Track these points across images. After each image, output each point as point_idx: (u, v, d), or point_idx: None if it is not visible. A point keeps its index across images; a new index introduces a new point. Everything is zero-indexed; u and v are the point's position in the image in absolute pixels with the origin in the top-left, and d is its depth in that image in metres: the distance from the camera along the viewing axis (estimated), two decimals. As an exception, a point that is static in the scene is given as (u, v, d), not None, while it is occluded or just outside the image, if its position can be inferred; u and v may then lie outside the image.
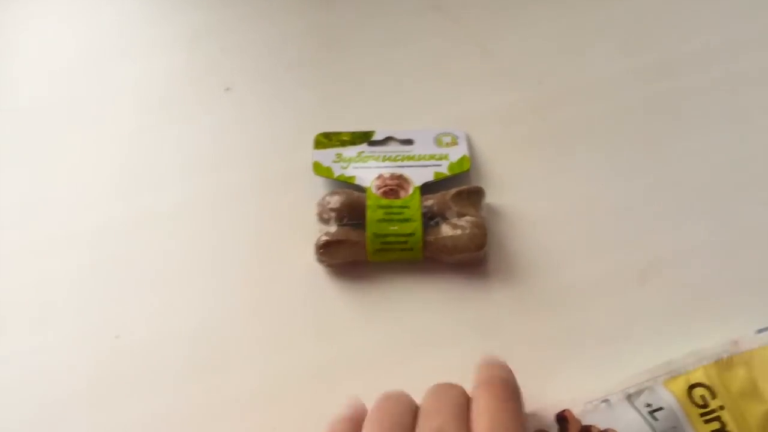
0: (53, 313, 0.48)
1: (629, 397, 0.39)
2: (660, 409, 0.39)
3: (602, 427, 0.38)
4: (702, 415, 0.39)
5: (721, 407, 0.39)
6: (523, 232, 0.49)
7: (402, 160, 0.52)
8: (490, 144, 0.54)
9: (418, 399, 0.37)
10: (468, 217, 0.48)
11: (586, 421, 0.38)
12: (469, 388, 0.37)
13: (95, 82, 0.58)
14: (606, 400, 0.39)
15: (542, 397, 0.39)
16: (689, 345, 0.42)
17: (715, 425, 0.39)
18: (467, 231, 0.47)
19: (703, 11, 0.59)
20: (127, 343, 0.47)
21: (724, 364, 0.40)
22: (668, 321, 0.44)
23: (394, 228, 0.48)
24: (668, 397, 0.39)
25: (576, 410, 0.39)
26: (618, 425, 0.38)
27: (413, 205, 0.48)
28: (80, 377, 0.45)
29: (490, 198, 0.52)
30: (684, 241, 0.47)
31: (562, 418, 0.38)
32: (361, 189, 0.51)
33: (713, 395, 0.39)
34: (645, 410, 0.39)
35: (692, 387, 0.39)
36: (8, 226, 0.51)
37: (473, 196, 0.49)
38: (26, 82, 0.57)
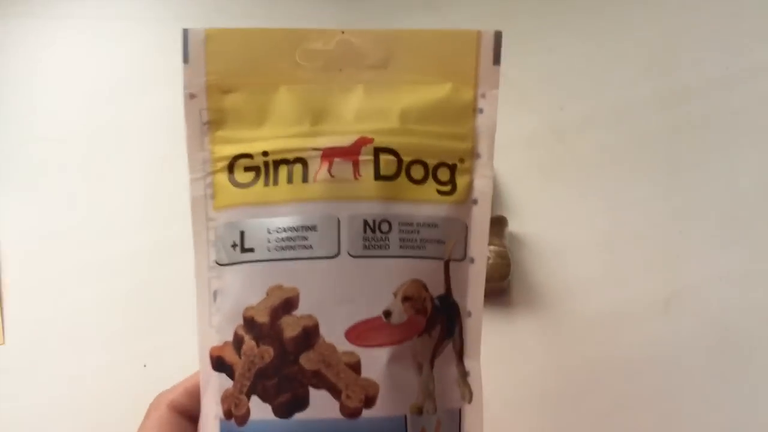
0: (83, 342, 0.49)
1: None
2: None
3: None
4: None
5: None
6: (546, 260, 0.49)
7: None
8: (511, 171, 0.54)
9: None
10: (491, 247, 0.48)
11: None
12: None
13: (122, 112, 0.59)
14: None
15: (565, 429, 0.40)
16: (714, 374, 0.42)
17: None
18: (490, 261, 0.47)
19: (726, 36, 0.58)
20: (154, 371, 0.48)
21: None
22: (693, 350, 0.45)
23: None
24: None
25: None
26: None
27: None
28: (109, 406, 0.46)
29: (513, 226, 0.52)
30: (710, 269, 0.47)
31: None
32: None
33: None
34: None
35: None
36: (37, 255, 0.52)
37: (496, 225, 0.50)
38: (53, 111, 0.58)
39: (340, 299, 0.31)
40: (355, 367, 0.31)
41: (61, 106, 0.58)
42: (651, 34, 0.58)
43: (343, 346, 0.31)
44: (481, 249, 0.34)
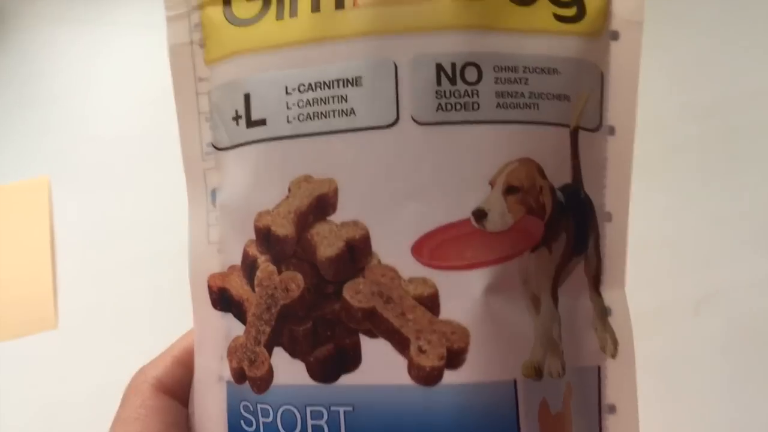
0: (131, 329, 0.49)
1: None
2: None
3: None
4: None
5: None
6: None
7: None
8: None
9: None
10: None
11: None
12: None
13: (171, 114, 0.56)
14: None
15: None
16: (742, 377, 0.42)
17: None
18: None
19: (757, 50, 0.55)
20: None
21: None
22: (722, 353, 0.44)
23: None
24: None
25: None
26: None
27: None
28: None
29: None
30: (739, 274, 0.46)
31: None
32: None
33: None
34: None
35: None
36: (89, 247, 0.54)
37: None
38: (106, 113, 0.60)
39: (403, 193, 0.19)
40: (431, 302, 0.19)
41: (114, 108, 0.60)
42: (685, 49, 0.57)
43: (410, 268, 0.19)
44: (627, 112, 0.21)
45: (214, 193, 0.22)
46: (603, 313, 0.21)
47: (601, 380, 0.21)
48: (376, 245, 0.19)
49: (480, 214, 0.19)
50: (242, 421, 0.21)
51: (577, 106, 0.20)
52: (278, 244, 0.20)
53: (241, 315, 0.21)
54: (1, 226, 0.54)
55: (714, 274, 0.47)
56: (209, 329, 0.22)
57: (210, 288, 0.22)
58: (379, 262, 0.19)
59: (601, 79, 0.21)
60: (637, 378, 0.44)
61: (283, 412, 0.20)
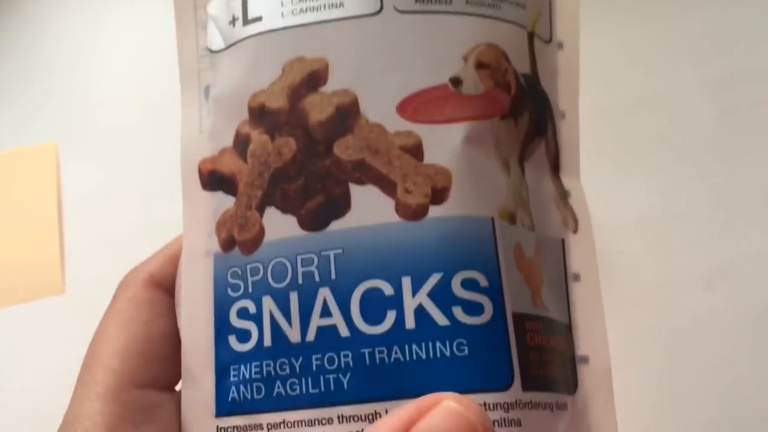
0: None
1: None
2: None
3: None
4: None
5: None
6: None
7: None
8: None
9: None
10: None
11: None
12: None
13: (177, 82, 0.58)
14: None
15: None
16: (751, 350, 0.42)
17: None
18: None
19: None
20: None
21: None
22: (731, 326, 0.44)
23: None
24: None
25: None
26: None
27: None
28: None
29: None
30: (750, 247, 0.47)
31: None
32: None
33: None
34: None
35: None
36: (96, 212, 0.54)
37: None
38: (113, 79, 0.60)
39: (387, 66, 0.22)
40: (415, 150, 0.21)
41: (121, 75, 0.61)
42: (702, 20, 0.57)
43: (396, 124, 0.21)
44: (572, 31, 0.25)
45: (207, 89, 0.24)
46: (563, 194, 0.24)
47: (566, 251, 0.23)
48: (364, 108, 0.22)
49: (456, 81, 0.22)
50: (228, 289, 0.22)
51: (532, 16, 0.24)
52: (272, 116, 0.22)
53: (232, 188, 0.22)
54: (9, 192, 0.54)
55: (725, 248, 0.46)
56: (198, 210, 0.23)
57: (200, 172, 0.23)
58: (367, 121, 0.22)
59: (550, 0, 0.25)
60: (640, 343, 0.43)
61: (273, 265, 0.21)
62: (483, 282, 0.20)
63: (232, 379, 0.21)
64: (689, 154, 0.50)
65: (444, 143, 0.21)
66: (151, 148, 0.56)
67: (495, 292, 0.20)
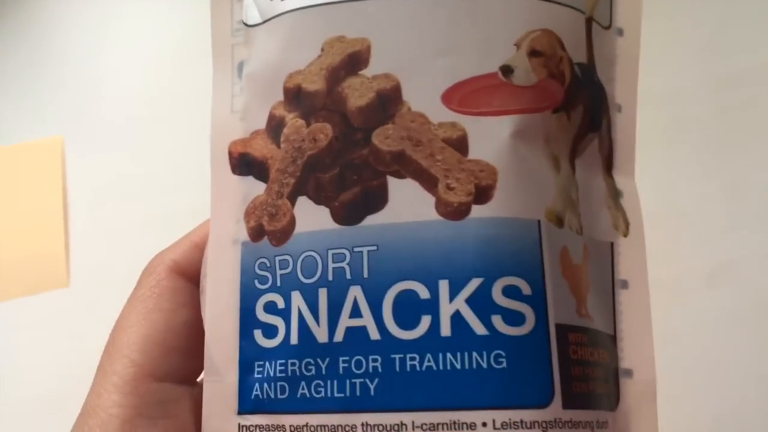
0: None
1: None
2: None
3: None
4: None
5: None
6: None
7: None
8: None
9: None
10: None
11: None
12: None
13: (182, 74, 0.57)
14: None
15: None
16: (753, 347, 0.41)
17: None
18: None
19: None
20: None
21: None
22: (733, 324, 0.44)
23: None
24: None
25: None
26: None
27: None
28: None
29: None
30: (753, 245, 0.46)
31: None
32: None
33: None
34: None
35: None
36: (101, 205, 0.54)
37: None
38: (120, 73, 0.60)
39: (433, 50, 0.20)
40: (460, 144, 0.20)
41: (127, 68, 0.61)
42: (704, 19, 0.56)
43: (440, 114, 0.20)
44: (634, 16, 0.23)
45: (240, 65, 0.22)
46: (615, 194, 0.22)
47: (615, 256, 0.22)
48: (407, 95, 0.20)
49: (507, 69, 0.20)
50: (256, 281, 0.21)
51: (590, 1, 0.22)
52: (308, 99, 0.21)
53: (263, 174, 0.21)
54: (15, 185, 0.55)
55: (728, 245, 0.46)
56: (227, 194, 0.22)
57: (230, 154, 0.22)
58: (409, 109, 0.20)
59: (611, -18, 0.23)
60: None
61: (303, 259, 0.20)
62: (526, 290, 0.19)
63: (256, 375, 0.20)
64: (692, 152, 0.50)
65: (491, 137, 0.20)
66: (157, 142, 0.57)
67: (538, 301, 0.19)
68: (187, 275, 0.22)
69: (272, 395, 0.20)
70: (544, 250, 0.19)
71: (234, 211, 0.22)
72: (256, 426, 0.20)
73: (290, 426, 0.19)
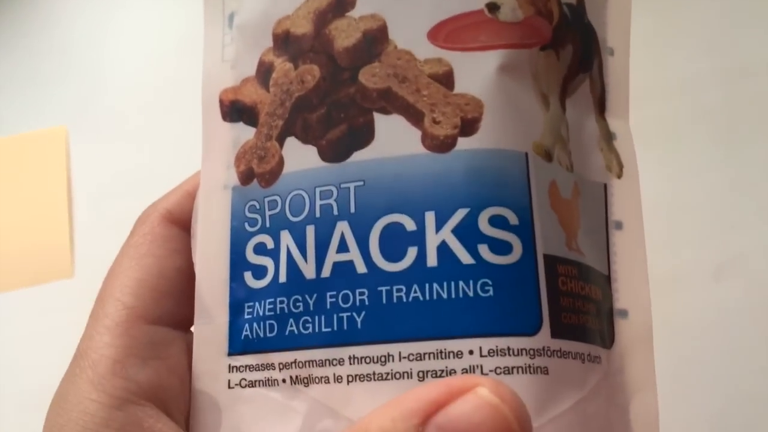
0: None
1: None
2: None
3: None
4: None
5: None
6: None
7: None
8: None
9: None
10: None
11: None
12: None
13: (184, 65, 0.59)
14: None
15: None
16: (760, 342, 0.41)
17: None
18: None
19: None
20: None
21: None
22: (740, 318, 0.44)
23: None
24: None
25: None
26: None
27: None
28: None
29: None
30: (760, 239, 0.46)
31: None
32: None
33: None
34: None
35: None
36: (105, 195, 0.54)
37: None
38: (123, 64, 0.60)
39: None
40: (446, 79, 0.20)
41: (131, 58, 0.61)
42: (713, 11, 0.56)
43: (426, 51, 0.20)
44: (624, -40, 0.23)
45: (231, 16, 0.23)
46: (608, 136, 0.22)
47: (608, 197, 0.21)
48: (393, 33, 0.20)
49: (493, 6, 0.20)
50: (246, 224, 0.21)
51: (580, -57, 0.22)
52: (296, 42, 0.21)
53: (252, 119, 0.21)
54: (19, 176, 0.55)
55: (734, 239, 0.46)
56: (217, 142, 0.22)
57: (221, 102, 0.22)
58: (396, 47, 0.20)
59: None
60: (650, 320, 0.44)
61: (291, 198, 0.20)
62: (513, 219, 0.18)
63: (246, 316, 0.20)
64: (700, 144, 0.50)
65: (477, 71, 0.19)
66: (161, 132, 0.56)
67: (525, 230, 0.18)
68: (180, 223, 0.22)
69: (261, 334, 0.20)
70: (531, 181, 0.19)
71: (224, 156, 0.22)
72: (246, 366, 0.20)
73: (279, 363, 0.19)
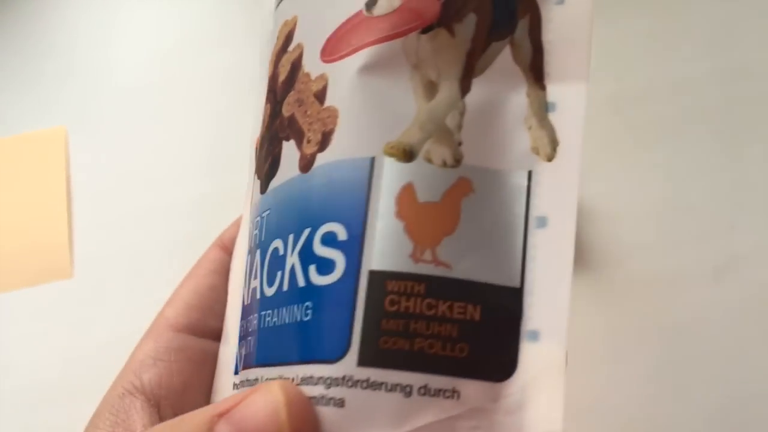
0: (147, 280, 0.49)
1: None
2: None
3: None
4: None
5: None
6: (598, 225, 0.47)
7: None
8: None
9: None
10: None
11: None
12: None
13: (190, 66, 0.59)
14: None
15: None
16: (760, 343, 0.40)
17: None
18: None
19: None
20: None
21: None
22: (740, 319, 0.43)
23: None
24: None
25: None
26: None
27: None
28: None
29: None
30: (760, 240, 0.45)
31: None
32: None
33: None
34: None
35: None
36: (106, 195, 0.54)
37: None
38: (127, 64, 0.60)
39: (324, 6, 0.20)
40: (321, 94, 0.19)
41: (132, 59, 0.60)
42: (712, 11, 0.54)
43: (318, 69, 0.20)
44: None
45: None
46: (542, 108, 0.17)
47: (531, 188, 0.17)
48: (305, 58, 0.20)
49: (369, 3, 0.19)
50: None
51: None
52: (270, 86, 0.23)
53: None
54: (18, 176, 0.54)
55: (734, 239, 0.46)
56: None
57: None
58: (303, 71, 0.20)
59: None
60: (648, 335, 0.42)
61: (251, 230, 0.22)
62: (342, 235, 0.17)
63: (246, 340, 0.23)
64: (700, 145, 0.49)
65: (342, 79, 0.18)
66: (161, 133, 0.55)
67: (353, 246, 0.17)
68: (226, 249, 0.25)
69: (244, 352, 0.22)
70: (372, 190, 0.17)
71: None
72: (240, 382, 0.22)
73: (247, 379, 0.21)
